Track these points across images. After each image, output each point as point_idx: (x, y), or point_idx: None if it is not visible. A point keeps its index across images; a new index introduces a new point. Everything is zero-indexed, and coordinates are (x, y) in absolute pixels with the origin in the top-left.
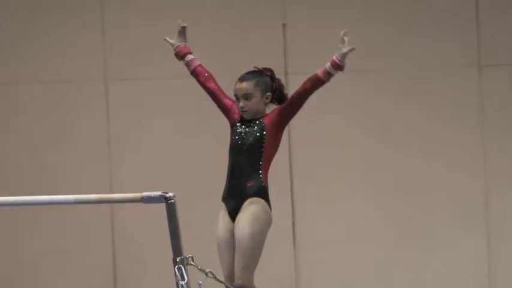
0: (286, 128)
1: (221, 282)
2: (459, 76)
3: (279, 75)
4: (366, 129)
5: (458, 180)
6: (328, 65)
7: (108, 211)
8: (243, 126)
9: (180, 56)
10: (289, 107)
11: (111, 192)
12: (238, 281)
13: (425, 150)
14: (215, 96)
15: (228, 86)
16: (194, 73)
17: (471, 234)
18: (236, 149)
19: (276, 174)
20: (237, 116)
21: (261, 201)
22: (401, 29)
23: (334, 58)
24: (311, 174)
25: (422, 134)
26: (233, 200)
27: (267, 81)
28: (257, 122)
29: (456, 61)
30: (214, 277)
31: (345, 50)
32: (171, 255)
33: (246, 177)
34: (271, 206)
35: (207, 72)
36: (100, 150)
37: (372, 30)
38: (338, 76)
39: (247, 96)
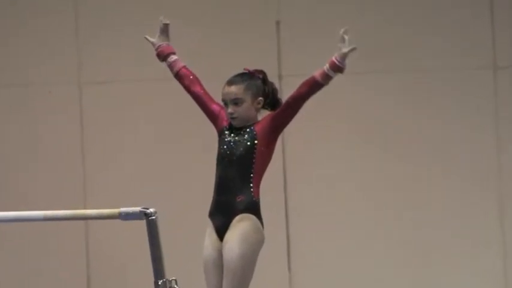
0: (281, 134)
1: None
2: (473, 78)
3: (272, 78)
4: (367, 134)
5: (470, 186)
6: (326, 66)
7: (82, 228)
8: (232, 135)
9: (163, 56)
10: (283, 113)
11: (86, 206)
12: None
13: (432, 157)
14: (201, 101)
15: (216, 90)
16: (178, 75)
17: (485, 242)
18: (224, 160)
19: (269, 186)
20: (225, 123)
21: (252, 217)
22: (405, 28)
23: (333, 59)
24: (307, 183)
25: (430, 138)
26: (221, 217)
27: (258, 84)
28: (248, 129)
29: (470, 62)
30: None
31: (345, 50)
32: (152, 278)
33: (235, 192)
34: (264, 223)
35: (192, 74)
36: (73, 160)
37: (374, 29)
38: (337, 77)
39: (236, 101)
